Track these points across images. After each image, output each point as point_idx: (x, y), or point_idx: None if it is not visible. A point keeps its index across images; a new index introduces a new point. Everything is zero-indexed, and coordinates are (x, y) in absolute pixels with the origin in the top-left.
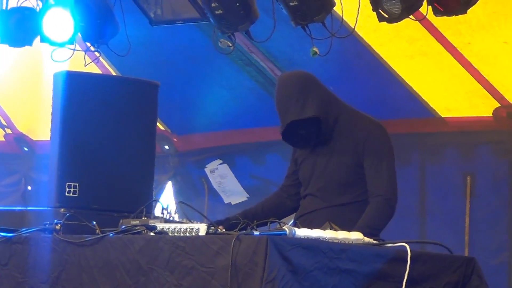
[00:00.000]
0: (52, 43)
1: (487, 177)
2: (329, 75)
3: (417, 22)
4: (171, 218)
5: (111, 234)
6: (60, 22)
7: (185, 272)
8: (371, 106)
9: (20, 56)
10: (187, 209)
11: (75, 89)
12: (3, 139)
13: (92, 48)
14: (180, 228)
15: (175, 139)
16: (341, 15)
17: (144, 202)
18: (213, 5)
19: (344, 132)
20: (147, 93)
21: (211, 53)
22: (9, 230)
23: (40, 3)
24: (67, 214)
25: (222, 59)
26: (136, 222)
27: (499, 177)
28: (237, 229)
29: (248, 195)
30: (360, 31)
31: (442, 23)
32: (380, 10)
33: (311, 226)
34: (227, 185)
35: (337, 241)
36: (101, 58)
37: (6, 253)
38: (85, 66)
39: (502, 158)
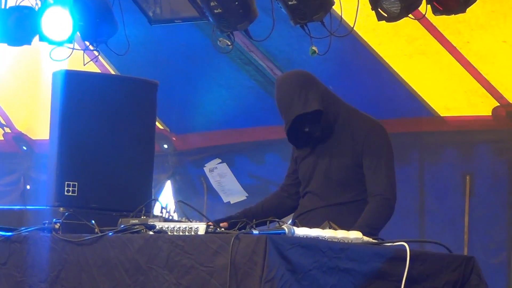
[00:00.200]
0: (51, 42)
1: (486, 176)
2: (328, 74)
3: (416, 21)
4: (170, 217)
5: (110, 233)
6: (59, 21)
7: (184, 271)
8: (370, 105)
9: (19, 55)
10: (186, 208)
11: (74, 88)
12: (2, 138)
13: (91, 47)
14: (179, 227)
15: (174, 138)
16: (340, 14)
17: (143, 201)
18: (212, 4)
19: (344, 132)
20: (146, 92)
21: (210, 52)
22: (8, 229)
23: (39, 2)
24: (66, 213)
25: (221, 58)
26: (135, 221)
27: (498, 177)
28: (236, 228)
29: (247, 194)
30: (359, 30)
31: (441, 22)
32: (379, 9)
33: (310, 225)
34: (226, 184)
35: (336, 240)
36: (100, 57)
37: (5, 252)
38: (84, 65)
39: (501, 157)
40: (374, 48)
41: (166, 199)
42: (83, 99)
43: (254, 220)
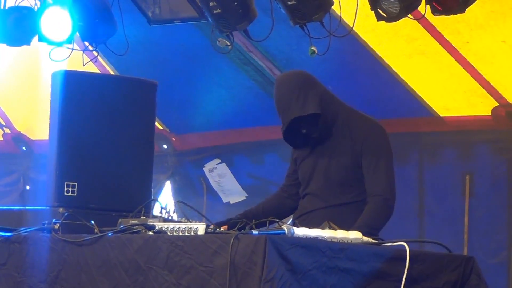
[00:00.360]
0: (50, 42)
1: (486, 176)
2: (327, 74)
3: (416, 21)
4: (170, 218)
5: (109, 234)
6: (58, 21)
7: (184, 271)
8: (369, 106)
9: (18, 56)
10: (185, 208)
11: (73, 89)
12: (1, 139)
13: (90, 48)
14: (178, 228)
15: (173, 139)
16: (339, 14)
17: (142, 201)
18: (211, 4)
19: (343, 132)
20: (146, 92)
21: (209, 52)
22: (8, 229)
23: (38, 2)
24: (66, 214)
25: (220, 58)
26: (135, 221)
27: (498, 177)
28: (236, 228)
29: (246, 195)
30: (358, 30)
31: (441, 22)
32: (378, 9)
33: (310, 226)
34: (226, 185)
35: (336, 240)
36: (99, 58)
37: (4, 253)
38: (83, 65)
39: (501, 157)
40: (373, 48)
41: (165, 199)
42: (82, 99)
43: (254, 221)
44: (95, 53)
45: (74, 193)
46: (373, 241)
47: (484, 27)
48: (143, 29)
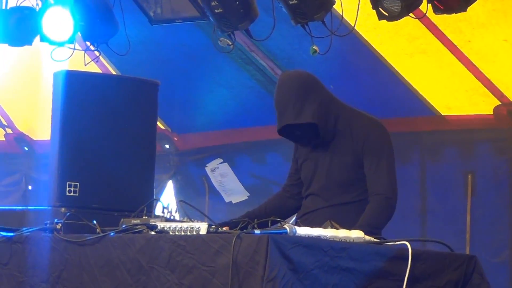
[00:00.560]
0: (51, 42)
1: (487, 175)
2: (329, 74)
3: (417, 20)
4: (172, 217)
5: (111, 233)
6: (59, 22)
7: (186, 271)
8: (371, 105)
9: (20, 56)
10: (187, 208)
11: (75, 89)
12: (4, 139)
13: (92, 47)
14: (180, 227)
15: (175, 138)
16: (341, 13)
17: (144, 201)
18: (212, 3)
19: (344, 132)
20: (147, 92)
21: (211, 52)
22: (10, 229)
23: (39, 3)
24: (68, 214)
25: (222, 58)
26: (137, 221)
27: (499, 175)
28: (238, 228)
29: (248, 194)
30: (360, 29)
31: (442, 21)
32: (379, 8)
33: (312, 225)
34: (228, 184)
35: (338, 239)
36: (101, 57)
37: (6, 253)
38: (85, 65)
39: (503, 156)
40: (375, 47)
41: (167, 199)
42: (84, 100)
43: (256, 220)
44: (96, 53)
45: (76, 193)
46: (375, 240)
47: (486, 26)
48: (144, 29)
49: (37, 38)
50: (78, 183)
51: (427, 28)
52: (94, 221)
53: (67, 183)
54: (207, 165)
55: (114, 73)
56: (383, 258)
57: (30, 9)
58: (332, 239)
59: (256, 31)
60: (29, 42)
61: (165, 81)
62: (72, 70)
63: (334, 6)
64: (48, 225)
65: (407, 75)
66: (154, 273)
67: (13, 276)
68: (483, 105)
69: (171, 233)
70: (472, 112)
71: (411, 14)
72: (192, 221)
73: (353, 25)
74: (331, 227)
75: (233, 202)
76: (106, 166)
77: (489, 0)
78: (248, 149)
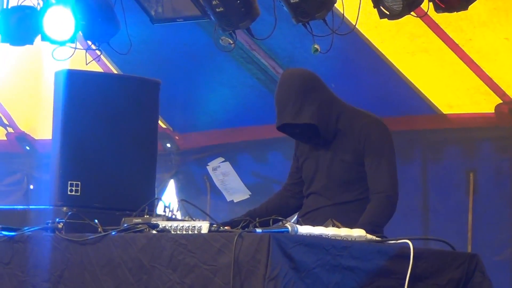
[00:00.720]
0: (53, 41)
1: (489, 173)
2: (330, 72)
3: (419, 18)
4: (173, 216)
5: (113, 233)
6: (61, 21)
7: (188, 270)
8: (372, 103)
9: (21, 55)
10: (189, 207)
11: (76, 88)
12: (5, 138)
13: (93, 47)
14: (182, 226)
15: (177, 137)
16: (342, 12)
17: (146, 200)
18: (214, 2)
19: (345, 131)
20: (149, 91)
21: (212, 51)
22: (11, 229)
23: (41, 2)
24: (69, 213)
25: (223, 57)
26: (138, 220)
27: (501, 174)
28: (239, 227)
29: (250, 193)
30: (361, 28)
31: (443, 19)
32: (381, 7)
33: (313, 224)
34: (229, 183)
35: (339, 238)
36: (102, 57)
37: (8, 252)
38: (86, 64)
39: (505, 154)
40: (376, 46)
41: (169, 198)
42: (85, 99)
43: (257, 219)
44: (98, 52)
45: (78, 192)
46: (377, 239)
47: (487, 24)
48: (146, 28)
49: (38, 37)
50: (79, 182)
51: (428, 26)
52: (96, 220)
53: (69, 182)
54: (208, 164)
55: (115, 72)
56: (384, 257)
57: (31, 8)
58: (333, 237)
59: (257, 30)
60: (30, 41)
61: (167, 80)
62: (73, 69)
63: (335, 5)
64: (49, 225)
65: (408, 74)
66: (156, 272)
67: (15, 275)
68: (484, 103)
69: (172, 232)
70: (473, 111)
71: (412, 13)
72: (194, 220)
73: (354, 23)
74: (333, 226)
75: (235, 201)
76: (108, 165)
77: None
78: (250, 148)
